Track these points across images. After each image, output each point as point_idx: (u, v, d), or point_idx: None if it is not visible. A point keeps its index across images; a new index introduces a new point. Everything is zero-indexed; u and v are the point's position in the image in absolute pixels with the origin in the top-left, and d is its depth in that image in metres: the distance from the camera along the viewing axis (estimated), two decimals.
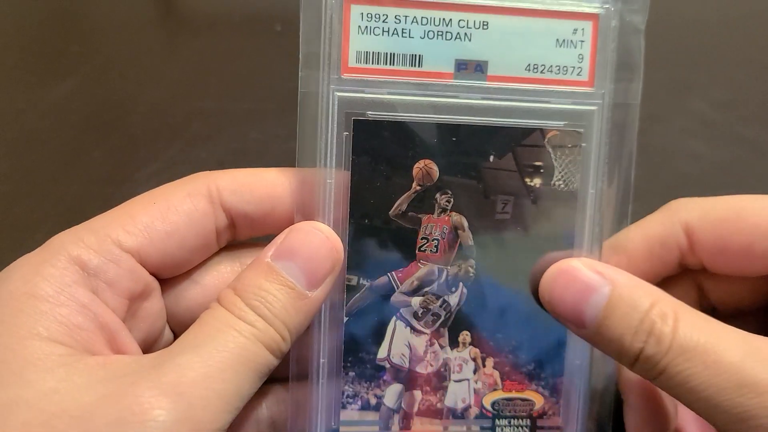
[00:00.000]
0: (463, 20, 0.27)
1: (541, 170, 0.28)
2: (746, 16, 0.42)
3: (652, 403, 0.29)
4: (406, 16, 0.27)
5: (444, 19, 0.27)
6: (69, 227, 0.25)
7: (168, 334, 0.28)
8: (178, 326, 0.28)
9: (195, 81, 0.41)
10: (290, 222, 0.27)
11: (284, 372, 0.28)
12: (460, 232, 0.28)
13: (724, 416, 0.23)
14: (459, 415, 0.29)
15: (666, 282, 0.30)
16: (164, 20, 0.44)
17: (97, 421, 0.21)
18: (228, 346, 0.24)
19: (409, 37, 0.27)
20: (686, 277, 0.31)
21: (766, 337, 0.24)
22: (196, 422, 0.22)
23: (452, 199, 0.28)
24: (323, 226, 0.27)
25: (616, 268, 0.26)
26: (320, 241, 0.26)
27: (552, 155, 0.28)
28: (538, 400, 0.30)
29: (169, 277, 0.27)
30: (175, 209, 0.26)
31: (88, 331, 0.24)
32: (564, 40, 0.28)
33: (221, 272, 0.28)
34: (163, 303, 0.28)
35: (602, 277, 0.26)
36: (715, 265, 0.29)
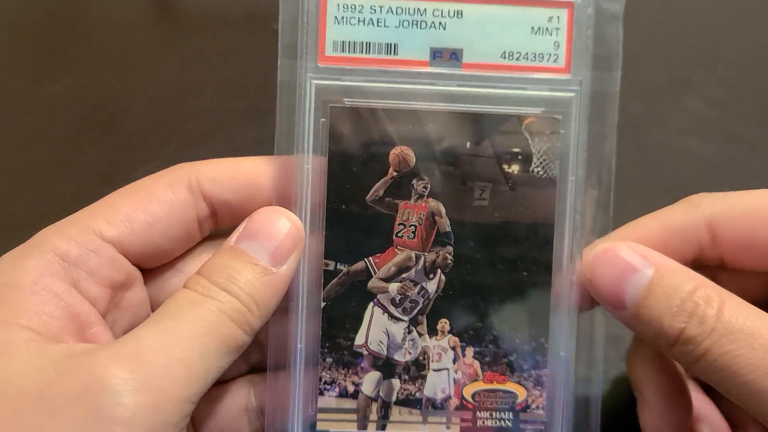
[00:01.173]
0: (438, 9, 0.28)
1: (519, 157, 0.28)
2: (742, 16, 0.42)
3: (670, 399, 0.28)
4: (381, 6, 0.28)
5: (419, 8, 0.28)
6: None
7: None
8: None
9: (191, 79, 0.42)
10: None
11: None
12: (437, 218, 0.28)
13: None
14: (439, 406, 0.29)
15: None
16: (160, 18, 0.44)
17: (55, 395, 0.21)
18: (187, 317, 0.24)
19: (385, 26, 0.28)
20: (701, 271, 0.30)
21: None
22: (158, 390, 0.22)
23: (429, 186, 0.28)
24: (282, 208, 0.27)
25: (659, 253, 0.26)
26: (280, 221, 0.26)
27: (530, 142, 0.28)
28: (520, 392, 0.29)
29: (152, 267, 0.28)
30: (156, 199, 0.27)
31: (58, 320, 0.24)
32: (539, 28, 0.28)
33: (204, 261, 0.28)
34: (147, 293, 0.28)
35: (645, 259, 0.26)
36: (737, 260, 0.28)
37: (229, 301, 0.25)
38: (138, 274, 0.28)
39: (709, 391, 0.31)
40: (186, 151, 0.39)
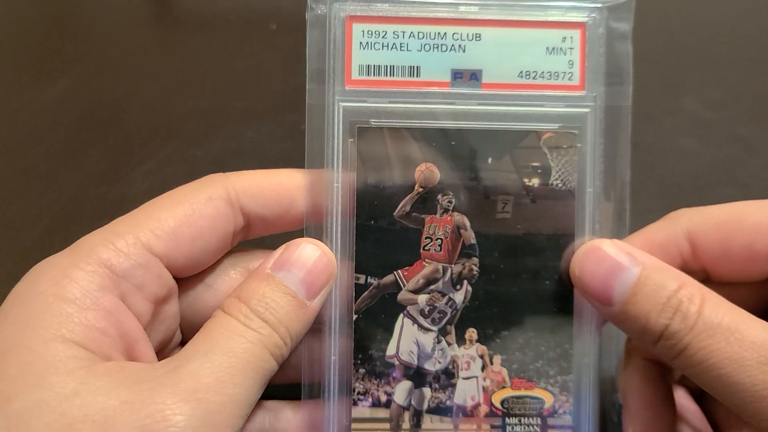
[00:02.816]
0: (457, 33, 0.29)
1: (539, 171, 0.30)
2: (739, 16, 0.42)
3: (653, 409, 0.29)
4: (403, 32, 0.29)
5: (439, 32, 0.29)
6: (65, 226, 0.25)
7: (178, 336, 0.29)
8: (188, 328, 0.29)
9: (190, 80, 0.42)
10: (301, 221, 0.29)
11: (288, 392, 0.30)
12: (462, 231, 0.30)
13: (743, 394, 0.24)
14: (469, 413, 0.30)
15: None
16: (159, 19, 0.44)
17: (120, 427, 0.22)
18: (236, 351, 0.25)
19: (407, 50, 0.29)
20: None
21: None
22: (213, 426, 0.23)
23: (454, 200, 0.30)
24: (318, 241, 0.28)
25: (644, 252, 0.27)
26: (317, 254, 0.28)
27: (548, 156, 0.30)
28: (547, 398, 0.30)
29: (186, 276, 0.29)
30: (199, 214, 0.27)
31: (109, 337, 0.25)
32: (554, 48, 0.29)
33: (231, 277, 0.29)
34: (179, 305, 0.29)
35: (632, 257, 0.27)
36: (718, 270, 0.29)
37: (269, 334, 0.25)
38: (176, 287, 0.28)
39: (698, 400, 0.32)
40: (185, 152, 0.38)
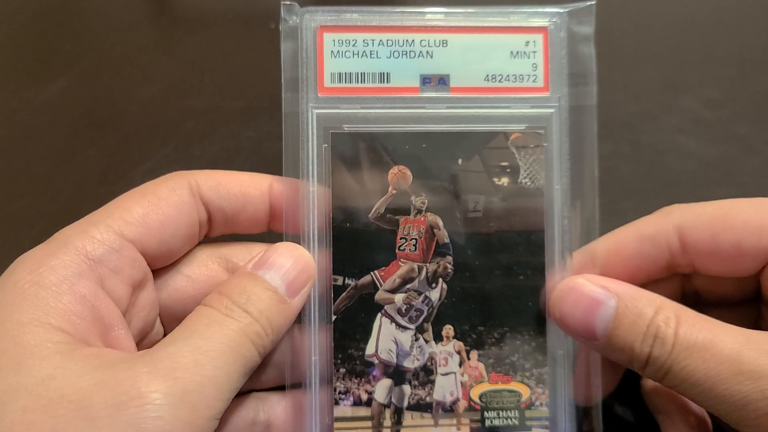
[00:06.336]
0: (425, 40, 0.30)
1: (508, 170, 0.31)
2: (737, 15, 0.43)
3: (689, 415, 0.30)
4: (373, 40, 0.30)
5: (407, 40, 0.30)
6: (64, 225, 0.26)
7: (158, 327, 0.30)
8: (169, 320, 0.30)
9: (189, 79, 0.42)
10: (260, 222, 0.30)
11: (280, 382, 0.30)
12: (436, 231, 0.31)
13: (725, 405, 0.25)
14: (448, 409, 0.30)
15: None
16: (158, 18, 0.44)
17: (96, 404, 0.22)
18: (215, 337, 0.25)
19: (377, 57, 0.30)
20: (676, 278, 0.32)
21: (761, 331, 0.26)
22: (191, 406, 0.23)
23: (426, 201, 0.30)
24: (297, 245, 0.29)
25: (617, 281, 0.28)
26: (296, 256, 0.28)
27: (516, 156, 0.31)
28: (524, 391, 0.31)
29: (160, 266, 0.29)
30: (165, 202, 0.28)
31: (85, 321, 0.25)
32: (518, 52, 0.31)
33: (209, 267, 0.30)
34: (158, 296, 0.29)
35: (606, 290, 0.28)
36: (706, 265, 0.30)
37: (250, 323, 0.26)
38: (150, 273, 0.29)
39: None
40: (183, 151, 0.38)
